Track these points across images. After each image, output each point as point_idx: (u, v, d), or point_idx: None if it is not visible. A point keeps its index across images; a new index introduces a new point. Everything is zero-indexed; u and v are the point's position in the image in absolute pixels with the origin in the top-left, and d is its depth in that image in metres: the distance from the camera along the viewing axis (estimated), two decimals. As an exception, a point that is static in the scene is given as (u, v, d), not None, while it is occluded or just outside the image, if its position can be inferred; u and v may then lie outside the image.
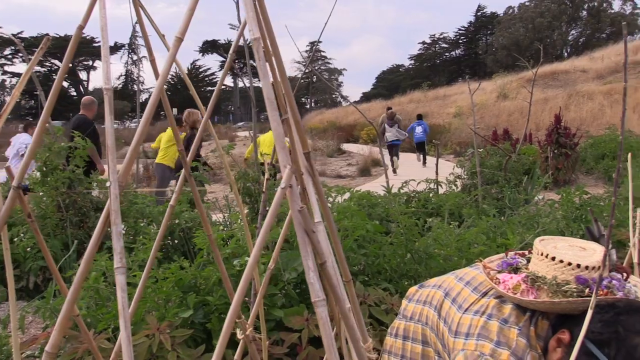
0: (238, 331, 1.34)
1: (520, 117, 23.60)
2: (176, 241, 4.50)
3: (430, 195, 6.20)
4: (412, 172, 10.56)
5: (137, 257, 3.14)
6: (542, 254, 1.37)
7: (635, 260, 1.81)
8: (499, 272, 1.46)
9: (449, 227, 3.40)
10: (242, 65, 67.40)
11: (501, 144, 9.68)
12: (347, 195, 4.38)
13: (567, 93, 26.29)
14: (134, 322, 2.81)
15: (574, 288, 1.28)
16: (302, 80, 66.95)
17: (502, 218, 4.15)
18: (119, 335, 2.67)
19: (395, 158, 14.02)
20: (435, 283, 1.69)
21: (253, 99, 4.45)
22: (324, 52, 78.68)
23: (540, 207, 4.40)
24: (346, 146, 23.80)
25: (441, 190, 6.67)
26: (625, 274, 1.35)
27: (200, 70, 66.01)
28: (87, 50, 60.71)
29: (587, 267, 1.30)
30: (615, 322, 1.18)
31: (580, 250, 1.38)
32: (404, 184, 6.31)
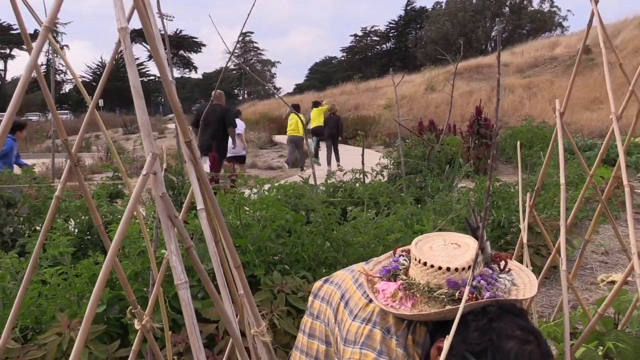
0: (136, 321, 1.33)
1: (447, 108, 24.38)
2: (96, 236, 4.36)
3: (357, 185, 6.32)
4: (350, 163, 10.59)
5: (47, 254, 3.03)
6: (416, 259, 1.39)
7: (525, 241, 1.95)
8: (381, 278, 1.46)
9: (367, 215, 3.50)
10: (171, 55, 65.70)
11: (426, 135, 10.01)
12: (272, 187, 4.39)
13: (490, 86, 27.43)
14: (44, 320, 2.72)
15: (445, 292, 1.30)
16: (234, 72, 66.12)
17: (419, 205, 4.31)
18: (28, 335, 2.57)
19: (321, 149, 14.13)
20: (337, 281, 1.66)
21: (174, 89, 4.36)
22: (256, 43, 77.92)
23: (455, 194, 4.60)
24: (278, 138, 23.74)
25: (367, 181, 6.82)
26: (503, 263, 1.41)
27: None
28: (4, 38, 57.11)
29: (457, 269, 1.32)
30: (489, 330, 1.21)
31: (454, 249, 1.39)
32: (330, 175, 6.42)
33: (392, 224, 3.40)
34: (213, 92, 7.07)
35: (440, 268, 1.33)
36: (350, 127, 19.52)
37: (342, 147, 16.15)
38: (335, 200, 5.06)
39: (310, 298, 1.73)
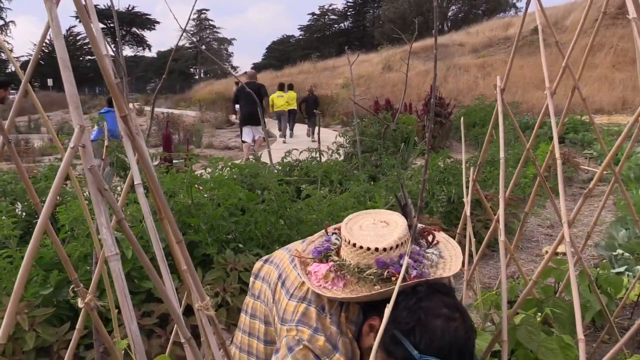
0: (79, 300, 1.32)
1: (404, 88, 24.63)
2: (44, 219, 4.24)
3: (313, 163, 6.34)
4: (307, 142, 10.91)
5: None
6: (346, 241, 1.42)
7: (468, 214, 2.01)
8: (313, 260, 1.49)
9: (320, 193, 3.53)
10: (124, 33, 63.53)
11: (382, 113, 10.09)
12: (225, 166, 4.36)
13: (446, 65, 27.82)
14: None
15: (374, 272, 1.34)
16: (190, 50, 64.63)
17: (372, 183, 4.38)
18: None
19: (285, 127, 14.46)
20: (276, 261, 1.68)
21: (124, 66, 4.24)
22: (212, 20, 76.36)
23: (409, 172, 4.69)
24: (235, 117, 23.49)
25: (324, 159, 6.86)
26: (431, 237, 1.46)
27: (78, 37, 61.28)
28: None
29: (385, 249, 1.35)
30: (417, 309, 1.26)
31: (383, 227, 1.42)
32: (287, 154, 6.42)
33: (345, 201, 3.44)
34: (247, 72, 9.39)
35: (368, 249, 1.36)
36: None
37: (299, 126, 16.31)
38: (291, 179, 5.08)
39: (252, 279, 1.74)
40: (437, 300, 1.29)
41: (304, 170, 5.82)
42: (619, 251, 3.74)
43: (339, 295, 1.36)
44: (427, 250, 1.43)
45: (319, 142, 6.84)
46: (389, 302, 1.27)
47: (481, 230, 3.87)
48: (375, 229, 1.42)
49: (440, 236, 1.52)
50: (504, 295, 1.63)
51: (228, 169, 3.93)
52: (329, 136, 9.24)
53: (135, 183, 0.94)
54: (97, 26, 1.08)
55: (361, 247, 1.37)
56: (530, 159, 1.97)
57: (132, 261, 2.68)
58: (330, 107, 21.91)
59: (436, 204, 3.85)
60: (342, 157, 7.53)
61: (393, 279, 1.32)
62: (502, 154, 1.74)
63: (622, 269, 3.47)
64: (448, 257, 1.45)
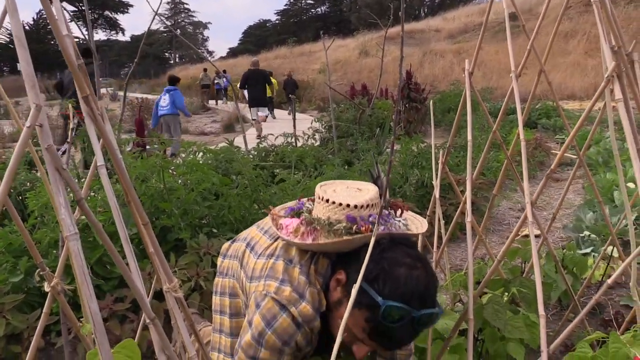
0: (45, 284, 1.31)
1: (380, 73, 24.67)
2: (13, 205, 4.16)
3: (289, 148, 6.34)
4: (283, 128, 10.98)
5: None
6: (320, 197, 1.47)
7: (437, 196, 2.04)
8: (285, 217, 1.55)
9: (294, 177, 3.53)
10: (96, 17, 62.10)
11: (358, 99, 10.10)
12: (198, 150, 4.33)
13: (422, 51, 27.89)
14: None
15: (344, 226, 1.39)
16: (165, 35, 63.53)
17: (345, 167, 4.40)
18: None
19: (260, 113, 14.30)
20: (243, 236, 1.73)
21: (94, 49, 4.16)
22: (187, 4, 75.04)
23: (383, 156, 4.72)
24: (211, 102, 23.27)
25: (300, 145, 6.86)
26: (399, 210, 1.50)
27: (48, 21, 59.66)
28: None
29: (356, 206, 1.40)
30: (381, 259, 1.31)
31: (356, 192, 1.49)
32: (263, 139, 6.40)
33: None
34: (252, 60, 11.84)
35: (340, 204, 1.42)
36: (283, 92, 19.38)
37: (275, 112, 16.34)
38: (266, 164, 5.07)
39: (220, 259, 1.78)
40: (400, 251, 1.34)
41: (279, 155, 5.81)
42: (586, 233, 3.84)
43: (307, 241, 1.41)
44: (396, 219, 1.48)
45: (294, 128, 6.84)
46: (355, 256, 1.33)
47: (453, 214, 3.92)
48: (349, 192, 1.48)
49: (408, 214, 1.57)
50: (470, 274, 1.67)
51: (202, 154, 3.90)
52: (306, 122, 9.23)
53: (97, 164, 0.94)
54: (58, 5, 1.06)
55: (333, 203, 1.42)
56: (497, 141, 2.00)
57: (104, 246, 2.66)
58: (307, 92, 21.84)
59: (409, 188, 3.89)
60: (318, 143, 7.54)
61: (361, 231, 1.38)
62: (469, 137, 1.77)
63: (588, 250, 3.57)
64: (414, 228, 1.51)
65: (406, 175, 4.01)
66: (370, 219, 1.39)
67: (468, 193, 1.69)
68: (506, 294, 2.24)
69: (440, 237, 2.09)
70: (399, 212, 1.49)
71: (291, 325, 1.37)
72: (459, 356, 1.87)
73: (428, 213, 2.20)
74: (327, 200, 1.44)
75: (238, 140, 5.35)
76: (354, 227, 1.38)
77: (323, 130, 7.91)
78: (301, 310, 1.37)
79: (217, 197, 3.22)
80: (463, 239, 4.21)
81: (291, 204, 1.66)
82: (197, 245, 2.79)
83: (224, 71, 19.75)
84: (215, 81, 23.91)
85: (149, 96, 23.41)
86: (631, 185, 4.28)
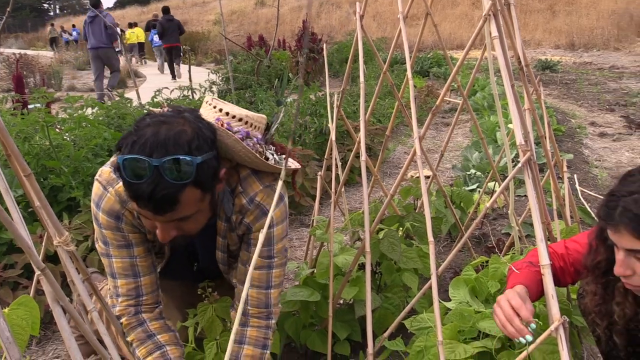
0: None
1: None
2: None
3: (186, 102, 6.14)
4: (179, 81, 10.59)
5: None
6: (206, 102, 1.49)
7: (333, 139, 2.10)
8: None
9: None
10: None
11: (255, 50, 9.92)
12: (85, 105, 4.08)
13: (319, 2, 27.72)
14: None
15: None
16: (40, -18, 57.68)
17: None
18: None
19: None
20: None
21: None
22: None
23: (281, 107, 4.72)
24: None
25: (197, 97, 6.66)
26: (280, 150, 1.52)
27: None
28: None
29: (227, 113, 1.42)
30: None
31: (240, 109, 1.49)
32: (157, 93, 6.13)
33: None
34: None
35: (215, 107, 1.45)
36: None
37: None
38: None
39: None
40: (165, 117, 1.27)
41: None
42: (472, 171, 4.14)
43: None
44: (271, 148, 1.50)
45: (190, 80, 6.61)
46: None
47: (354, 160, 4.05)
48: (240, 110, 1.48)
49: (291, 161, 1.59)
50: (365, 210, 1.75)
51: (92, 109, 3.68)
52: (203, 75, 8.95)
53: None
54: None
55: (210, 104, 1.47)
56: (387, 83, 2.07)
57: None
58: (202, 44, 21.04)
59: (308, 135, 3.94)
60: (215, 95, 7.36)
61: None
62: (361, 78, 1.83)
63: (474, 187, 3.86)
64: (283, 166, 1.52)
65: (305, 123, 4.06)
66: (236, 128, 1.40)
67: (362, 133, 1.76)
68: (401, 229, 2.39)
69: (337, 180, 2.16)
70: (274, 148, 1.51)
71: (99, 188, 1.45)
72: (359, 288, 1.98)
73: (326, 156, 2.26)
74: (206, 102, 1.48)
75: (132, 96, 5.10)
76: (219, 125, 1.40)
77: (220, 82, 7.72)
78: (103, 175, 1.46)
79: (110, 154, 3.08)
80: (361, 184, 4.38)
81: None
82: (92, 203, 2.67)
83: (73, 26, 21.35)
84: (63, 36, 27.10)
85: (28, 52, 21.29)
86: (511, 126, 4.64)
